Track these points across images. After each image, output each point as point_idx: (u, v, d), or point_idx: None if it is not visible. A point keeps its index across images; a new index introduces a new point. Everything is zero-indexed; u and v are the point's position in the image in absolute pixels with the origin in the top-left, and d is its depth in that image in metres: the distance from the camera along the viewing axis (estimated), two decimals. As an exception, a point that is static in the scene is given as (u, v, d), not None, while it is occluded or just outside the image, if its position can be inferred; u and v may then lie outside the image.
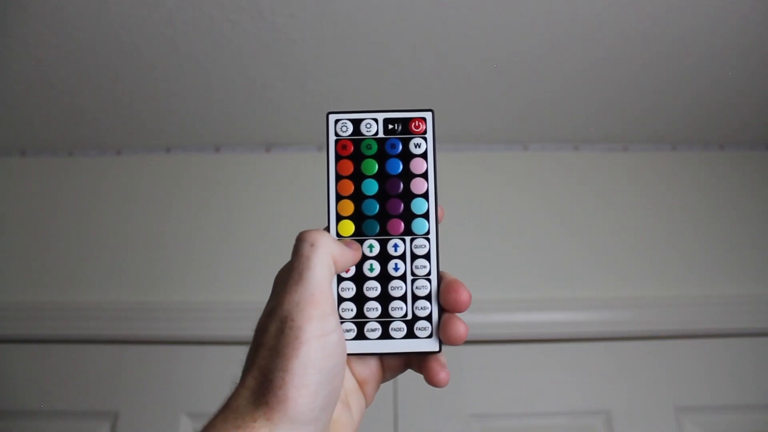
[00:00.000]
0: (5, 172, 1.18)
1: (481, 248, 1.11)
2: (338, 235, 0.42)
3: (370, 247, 0.42)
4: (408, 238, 0.42)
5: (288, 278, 0.38)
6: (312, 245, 0.38)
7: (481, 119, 1.13)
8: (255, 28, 0.91)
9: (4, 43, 0.93)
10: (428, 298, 0.42)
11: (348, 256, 0.41)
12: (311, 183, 1.14)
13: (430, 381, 0.41)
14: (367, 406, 0.43)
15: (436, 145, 0.44)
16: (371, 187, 0.43)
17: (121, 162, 1.18)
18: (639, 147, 1.19)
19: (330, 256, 0.39)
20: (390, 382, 0.57)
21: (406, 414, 0.99)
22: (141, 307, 1.04)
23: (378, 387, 0.44)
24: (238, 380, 0.37)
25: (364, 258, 0.42)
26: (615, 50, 0.96)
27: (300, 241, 0.39)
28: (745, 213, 1.14)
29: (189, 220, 1.13)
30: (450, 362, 0.42)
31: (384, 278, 0.42)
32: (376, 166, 0.43)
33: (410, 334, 0.41)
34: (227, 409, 0.35)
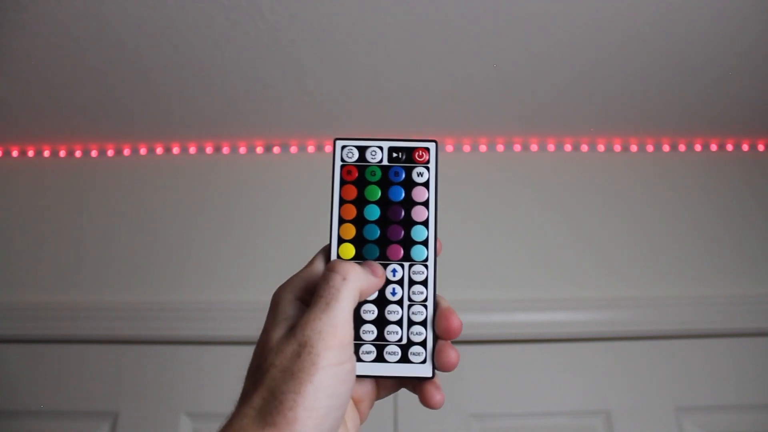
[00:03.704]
0: (5, 172, 1.18)
1: (482, 248, 1.11)
2: (339, 257, 0.43)
3: None
4: (407, 264, 0.43)
5: (313, 305, 0.38)
6: (344, 279, 0.39)
7: (482, 119, 1.13)
8: (255, 28, 0.91)
9: (3, 42, 0.93)
10: (424, 323, 0.42)
11: (374, 285, 0.41)
12: (311, 183, 1.14)
13: (426, 403, 0.41)
14: (361, 423, 0.44)
15: (438, 175, 0.45)
16: (373, 212, 0.44)
17: (121, 161, 1.18)
18: (639, 147, 1.19)
19: (358, 290, 0.39)
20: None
21: (406, 413, 0.99)
22: (141, 307, 1.04)
23: (372, 405, 0.45)
24: (237, 400, 0.37)
25: None
26: (616, 50, 0.96)
27: (331, 272, 0.39)
28: (746, 213, 1.14)
29: (189, 220, 1.13)
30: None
31: (381, 302, 0.42)
32: (379, 193, 0.44)
33: (404, 359, 0.42)
34: (230, 428, 0.35)
